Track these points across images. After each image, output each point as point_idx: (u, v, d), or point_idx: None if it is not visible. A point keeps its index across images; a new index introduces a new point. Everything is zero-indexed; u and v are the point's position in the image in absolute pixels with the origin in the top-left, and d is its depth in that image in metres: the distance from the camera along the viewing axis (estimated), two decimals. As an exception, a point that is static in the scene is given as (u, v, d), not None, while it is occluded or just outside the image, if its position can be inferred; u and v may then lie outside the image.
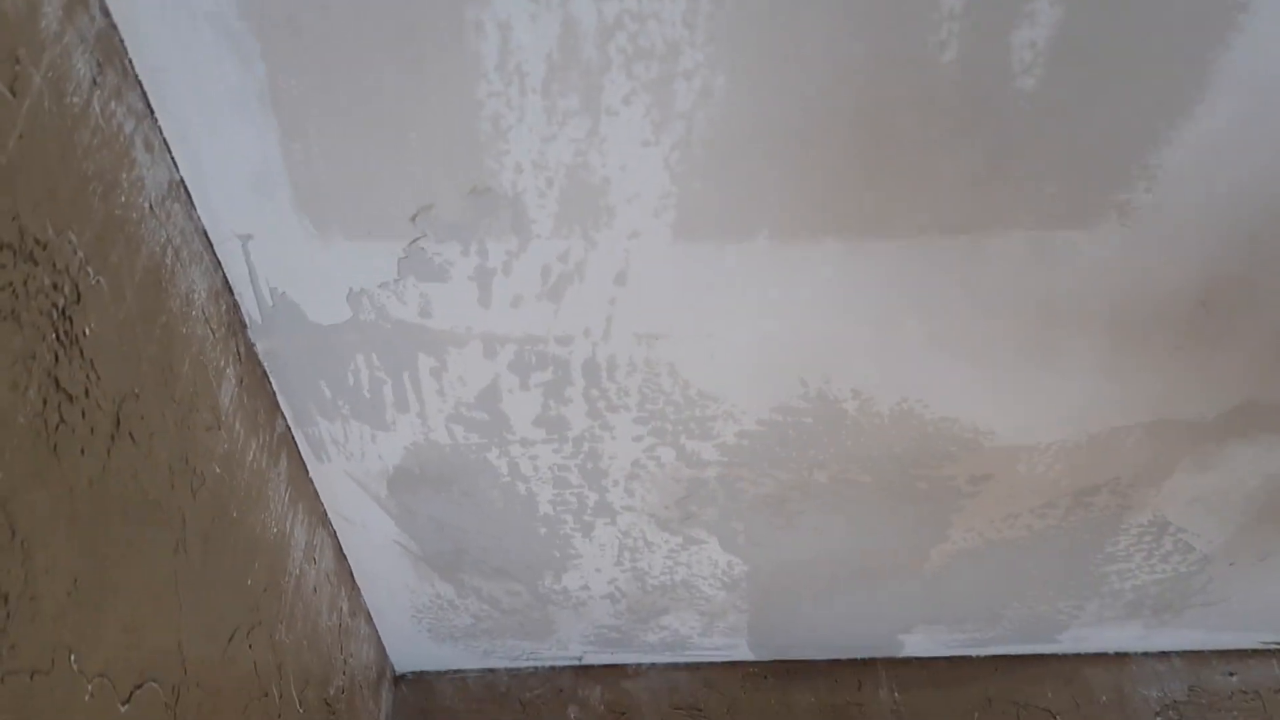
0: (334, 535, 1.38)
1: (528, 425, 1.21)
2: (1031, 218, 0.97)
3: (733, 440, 1.25)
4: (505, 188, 0.92)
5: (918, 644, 1.87)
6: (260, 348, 1.07)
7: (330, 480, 1.29)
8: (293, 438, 1.19)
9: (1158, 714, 1.86)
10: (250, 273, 0.98)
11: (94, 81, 0.75)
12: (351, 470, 1.27)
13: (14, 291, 0.62)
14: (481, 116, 0.86)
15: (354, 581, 1.49)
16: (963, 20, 0.80)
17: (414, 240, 0.96)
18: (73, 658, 0.70)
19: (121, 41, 0.79)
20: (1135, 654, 1.92)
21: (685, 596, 1.62)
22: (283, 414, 1.16)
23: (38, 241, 0.65)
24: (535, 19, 0.79)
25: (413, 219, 0.94)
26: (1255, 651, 1.90)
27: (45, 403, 0.65)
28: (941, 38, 0.81)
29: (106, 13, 0.77)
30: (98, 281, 0.73)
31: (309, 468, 1.26)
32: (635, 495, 1.35)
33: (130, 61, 0.80)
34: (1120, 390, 1.20)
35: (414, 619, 1.67)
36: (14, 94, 0.64)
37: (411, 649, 1.79)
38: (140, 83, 0.82)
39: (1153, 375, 1.18)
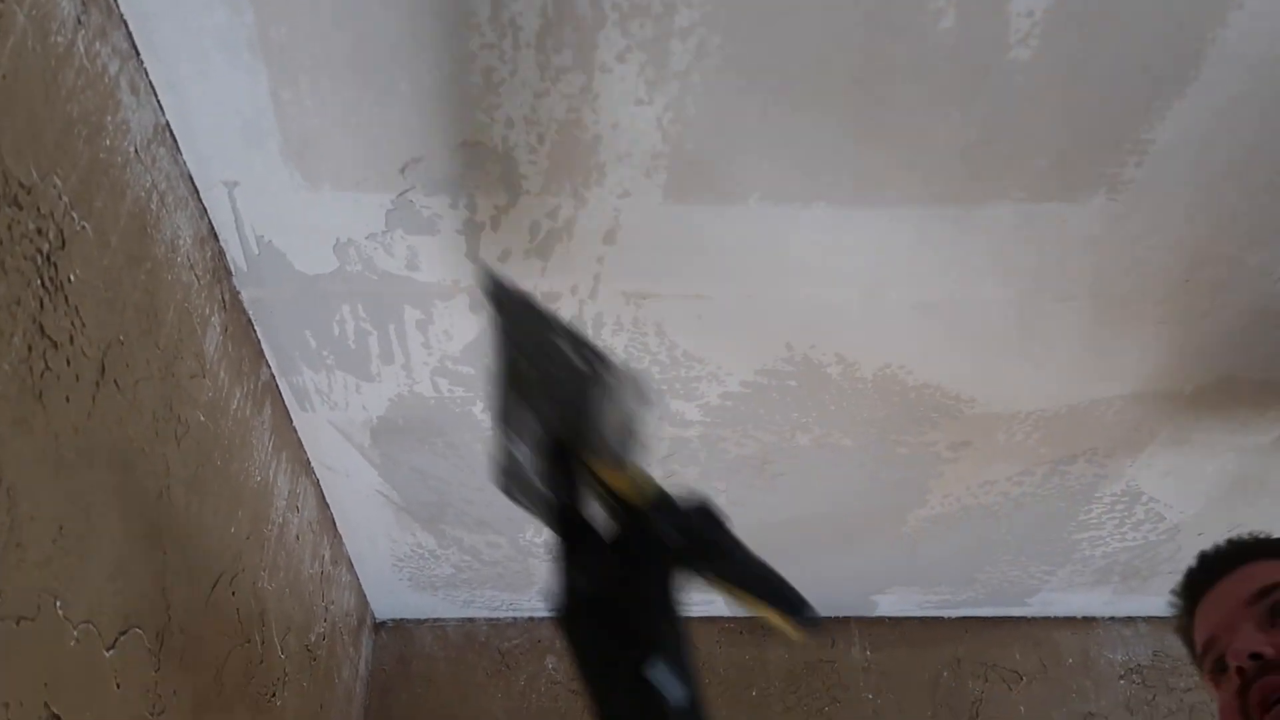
0: (317, 484, 1.39)
1: (513, 380, 1.21)
2: (1021, 189, 0.97)
3: (716, 401, 1.26)
4: (495, 142, 0.91)
5: (891, 604, 1.90)
6: (245, 295, 1.06)
7: (314, 429, 1.29)
8: (277, 386, 1.19)
9: (1122, 677, 1.91)
10: (236, 220, 0.97)
11: (78, 21, 0.73)
12: (335, 420, 1.27)
13: (-2, 237, 0.62)
14: (473, 69, 0.85)
15: (336, 530, 1.50)
16: (962, -12, 0.79)
17: (403, 192, 0.95)
18: (58, 604, 0.70)
19: (105, -22, 0.77)
20: (1102, 619, 1.96)
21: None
22: (267, 362, 1.15)
23: (22, 185, 0.65)
24: (531, -28, 0.78)
25: (402, 171, 0.93)
26: (1220, 619, 1.94)
27: (30, 349, 0.65)
28: (939, 4, 0.81)
29: (91, -51, 0.76)
30: (83, 227, 0.72)
31: (293, 416, 1.26)
32: (618, 452, 1.36)
33: (116, 1, 0.79)
34: (1101, 362, 1.22)
35: (395, 568, 1.68)
36: (-2, 34, 0.63)
37: (392, 597, 1.81)
38: (126, 23, 0.80)
39: (1134, 349, 1.19)
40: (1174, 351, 1.20)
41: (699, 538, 0.68)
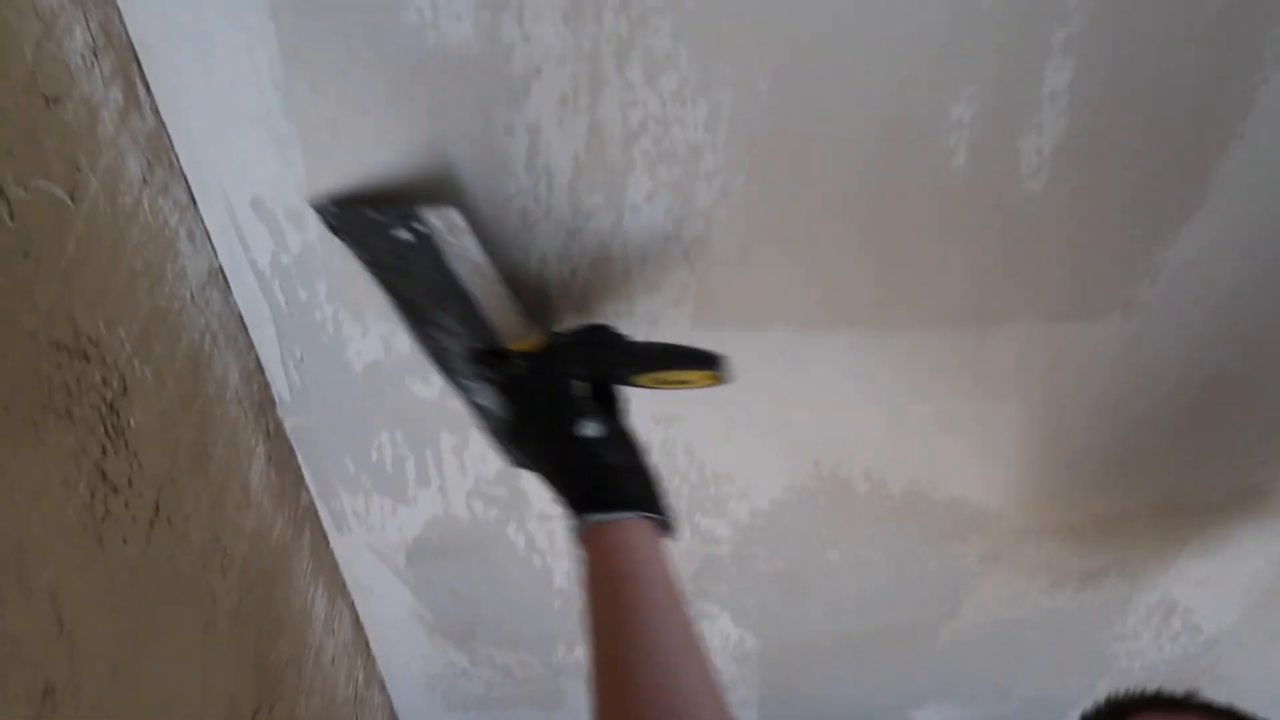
0: (351, 605, 1.40)
1: (546, 501, 1.23)
2: (1037, 311, 1.00)
3: (746, 518, 1.27)
4: (530, 276, 0.95)
5: (927, 719, 1.86)
6: (288, 424, 1.09)
7: (350, 551, 1.31)
8: (315, 511, 1.21)
9: (1170, 793, 1.84)
10: (281, 354, 1.01)
11: (144, 180, 0.79)
12: (372, 542, 1.29)
13: (69, 390, 0.65)
14: (510, 211, 0.89)
15: (369, 651, 1.51)
16: (971, 129, 0.84)
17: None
18: (106, 742, 0.71)
19: (169, 139, 0.83)
20: (1147, 731, 1.91)
21: (696, 668, 1.62)
22: (307, 487, 1.18)
23: (90, 339, 0.69)
24: (563, 123, 0.83)
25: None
26: (1268, 730, 1.89)
27: (93, 495, 0.68)
28: (950, 144, 0.85)
29: (156, 112, 0.81)
30: (143, 373, 0.76)
31: (330, 540, 1.28)
32: (649, 569, 1.36)
33: (176, 156, 0.84)
34: (1126, 475, 1.22)
35: (427, 687, 1.68)
36: (74, 201, 0.68)
37: (424, 717, 1.79)
38: (185, 176, 0.86)
39: (1158, 461, 1.20)
40: (1198, 463, 1.21)
41: (598, 348, 0.85)
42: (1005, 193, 0.89)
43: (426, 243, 0.83)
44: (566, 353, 0.84)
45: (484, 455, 1.15)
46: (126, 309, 0.75)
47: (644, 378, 0.86)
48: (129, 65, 0.77)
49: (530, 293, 0.95)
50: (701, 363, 0.85)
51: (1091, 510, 1.28)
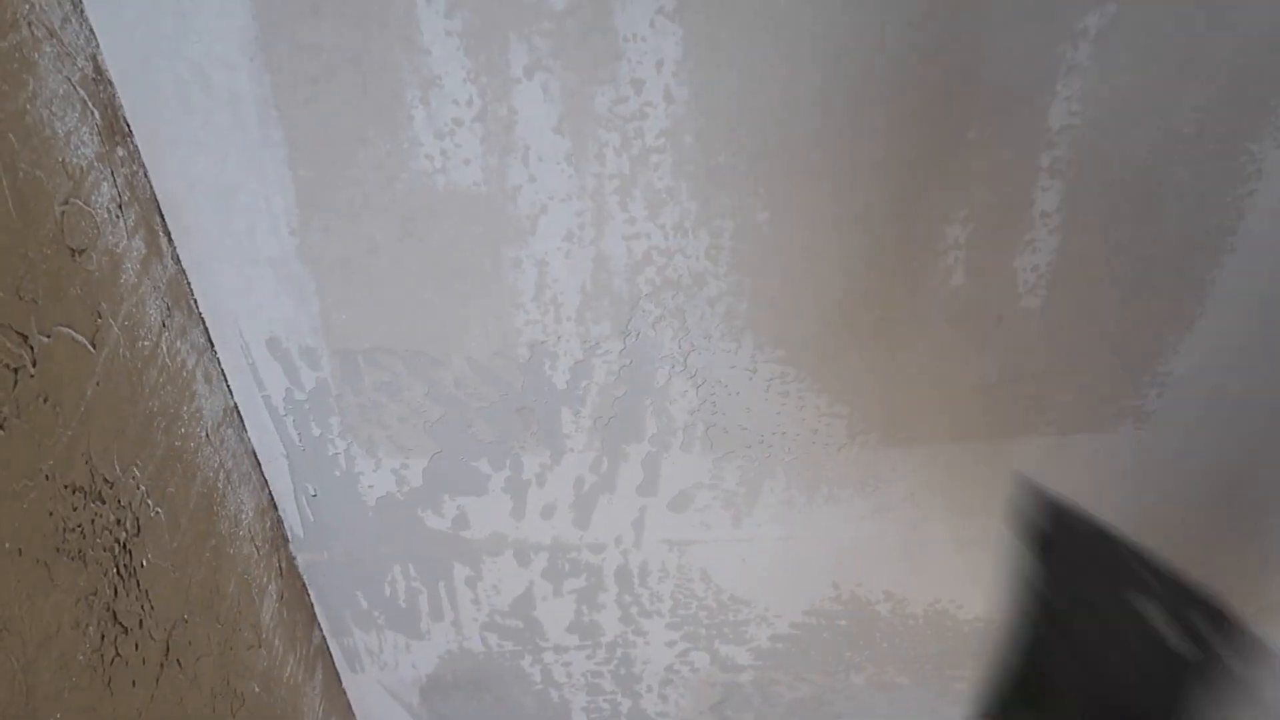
0: (364, 747, 1.36)
1: (561, 631, 1.21)
2: (1048, 424, 1.00)
3: (767, 644, 1.24)
4: (541, 406, 0.96)
5: None
6: (300, 561, 1.09)
7: (363, 691, 1.29)
8: (328, 649, 1.20)
9: None
10: (294, 489, 1.02)
11: (163, 324, 0.81)
12: (384, 680, 1.27)
13: (82, 532, 0.66)
14: (519, 343, 0.91)
15: (382, 795, 1.46)
16: (967, 249, 0.86)
17: (458, 456, 1.00)
18: None
19: (189, 284, 0.86)
20: None
21: (722, 805, 1.56)
22: (319, 625, 1.17)
23: (106, 480, 0.70)
24: (569, 256, 0.86)
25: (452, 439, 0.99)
26: None
27: (103, 638, 0.67)
28: (949, 264, 0.87)
29: (177, 259, 0.84)
30: (156, 513, 0.77)
31: (342, 679, 1.25)
32: (669, 701, 1.33)
33: (195, 300, 0.87)
34: (1154, 587, 1.20)
35: (442, 833, 1.61)
36: (94, 347, 0.70)
37: None
38: (203, 319, 0.88)
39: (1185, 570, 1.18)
40: (1229, 574, 1.19)
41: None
42: (1005, 309, 0.90)
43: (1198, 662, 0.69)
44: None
45: (497, 586, 1.14)
46: (142, 450, 0.76)
47: None
48: (152, 216, 0.80)
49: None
50: None
51: (1120, 626, 1.24)
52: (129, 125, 0.76)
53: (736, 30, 0.73)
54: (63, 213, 0.67)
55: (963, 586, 1.18)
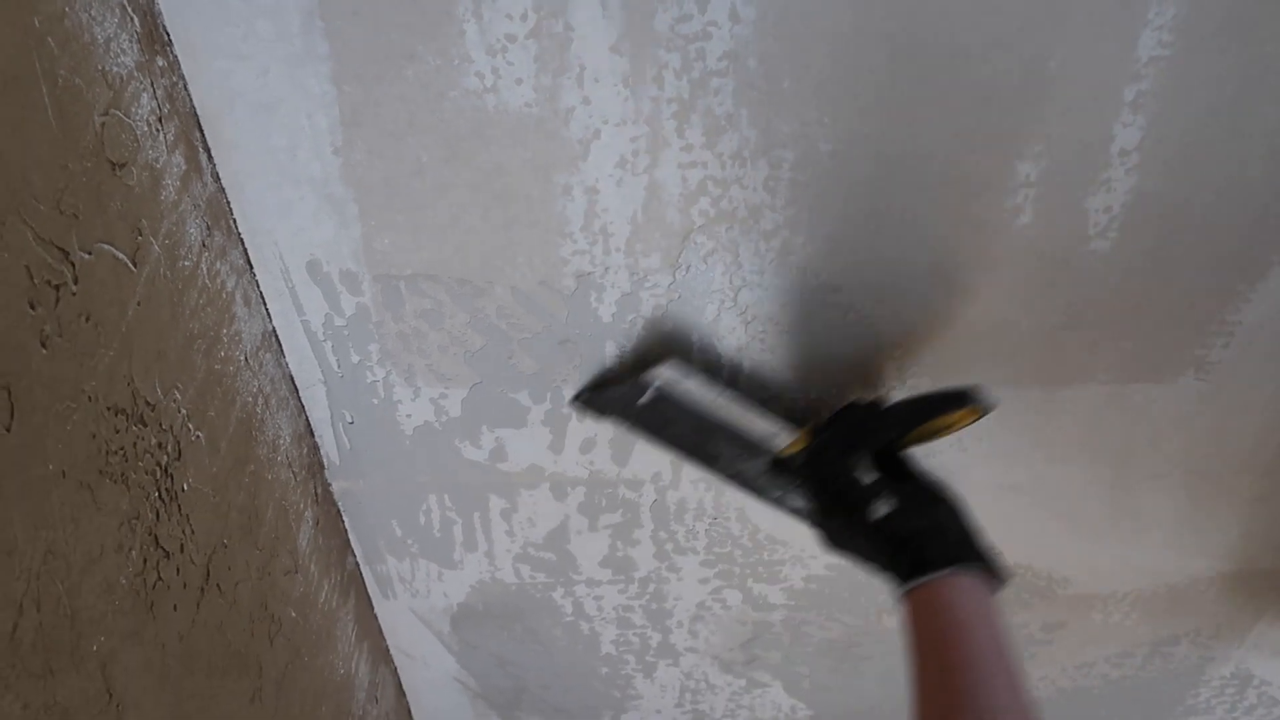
0: (395, 672, 1.37)
1: (594, 565, 1.20)
2: (1106, 371, 0.97)
3: (800, 584, 1.23)
4: (585, 339, 0.94)
5: (987, 794, 1.78)
6: (336, 488, 1.08)
7: (394, 617, 1.29)
8: (361, 575, 1.19)
9: None
10: (332, 416, 1.01)
11: (203, 244, 0.79)
12: (416, 607, 1.27)
13: (124, 455, 0.64)
14: (566, 273, 0.88)
15: (412, 719, 1.48)
16: (1038, 187, 0.82)
17: (498, 387, 0.98)
18: (151, 817, 0.69)
19: (228, 203, 0.83)
20: (1219, 810, 1.82)
21: (746, 739, 1.57)
22: (353, 551, 1.16)
23: (148, 403, 0.68)
24: (621, 184, 0.82)
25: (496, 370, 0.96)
26: (1348, 811, 1.79)
27: (145, 562, 0.66)
28: (1017, 203, 0.83)
29: (217, 177, 0.82)
30: (197, 437, 0.75)
31: (375, 605, 1.26)
32: (699, 637, 1.33)
33: (234, 221, 0.84)
34: (1200, 540, 1.17)
35: (468, 756, 1.64)
36: (135, 265, 0.67)
37: (463, 786, 1.75)
38: (242, 240, 0.86)
39: (1234, 525, 1.15)
40: (1275, 528, 1.16)
41: (856, 426, 0.86)
42: (1073, 252, 0.87)
43: (665, 398, 0.90)
44: (831, 442, 0.86)
45: (532, 519, 1.13)
46: (183, 373, 0.74)
47: (909, 437, 0.86)
48: (192, 131, 0.77)
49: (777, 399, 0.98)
50: (956, 402, 0.83)
51: (1162, 576, 1.23)
52: (168, 34, 0.73)
53: (811, -55, 0.68)
54: (103, 124, 0.65)
55: (1003, 532, 1.16)
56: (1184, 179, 0.82)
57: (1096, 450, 1.05)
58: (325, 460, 1.05)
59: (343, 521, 1.12)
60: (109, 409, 0.63)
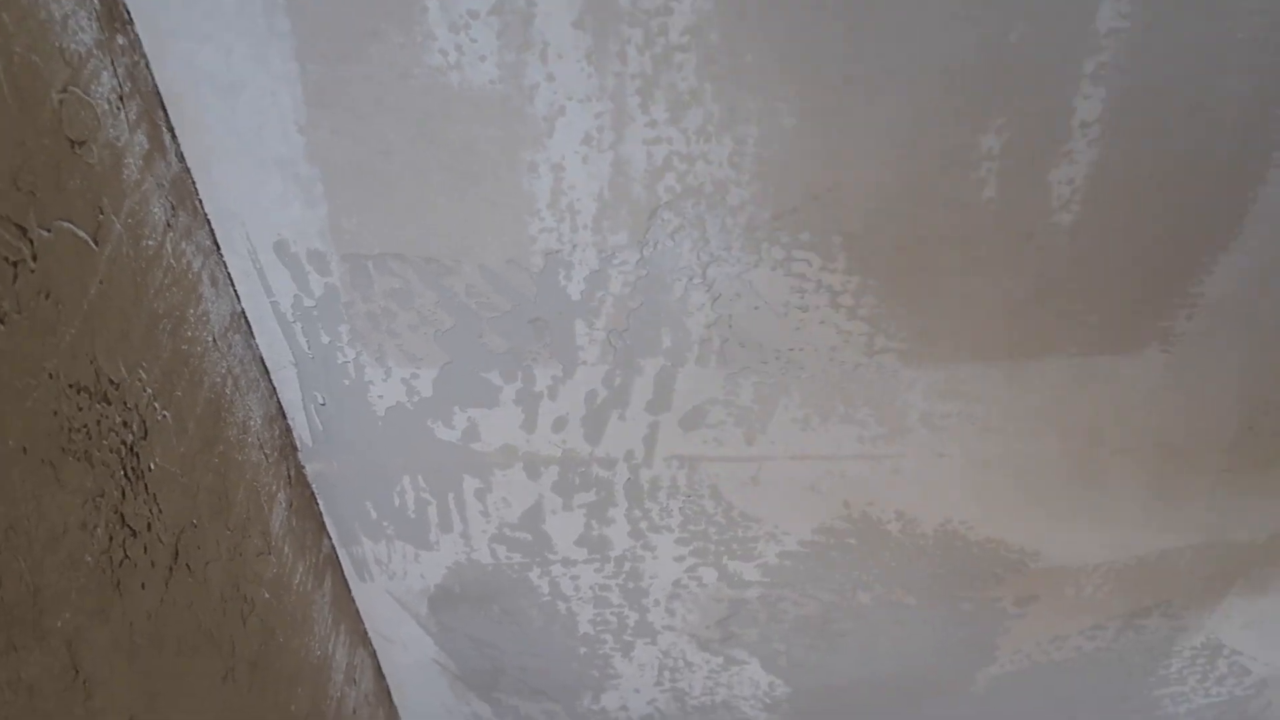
0: (373, 655, 1.37)
1: (569, 545, 1.21)
2: (1073, 344, 0.98)
3: (775, 561, 1.24)
4: (554, 317, 0.94)
5: (965, 768, 1.80)
6: (310, 470, 1.08)
7: (371, 599, 1.29)
8: (337, 558, 1.20)
9: (1220, 846, 1.77)
10: (303, 398, 1.01)
11: (168, 224, 0.78)
12: (393, 589, 1.27)
13: (88, 432, 0.64)
14: (534, 251, 0.89)
15: (391, 702, 1.48)
16: (1001, 160, 0.82)
17: (469, 367, 0.98)
18: (122, 794, 0.69)
19: (194, 184, 0.83)
20: (1193, 781, 1.85)
21: (726, 718, 1.58)
22: (328, 534, 1.17)
23: (112, 382, 0.68)
24: (587, 160, 0.82)
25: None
26: (1319, 779, 1.82)
27: (111, 539, 0.66)
28: (980, 175, 0.84)
29: (181, 157, 0.81)
30: (164, 416, 0.75)
31: (351, 587, 1.26)
32: (676, 615, 1.34)
33: (200, 201, 0.84)
34: (1169, 512, 1.19)
35: (449, 738, 1.64)
36: (97, 243, 0.67)
37: (445, 769, 1.76)
38: (209, 220, 0.86)
39: (1202, 497, 1.17)
40: (1243, 500, 1.18)
41: None
42: (1037, 225, 0.87)
43: None
44: None
45: (506, 499, 1.13)
46: (148, 352, 0.74)
47: None
48: (155, 111, 0.77)
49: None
50: None
51: (1132, 549, 1.24)
52: (129, 11, 0.73)
53: (770, -82, 0.69)
54: (61, 101, 0.64)
55: (974, 507, 1.17)
56: (1145, 151, 0.82)
57: (1065, 424, 1.06)
58: (298, 442, 1.05)
59: (317, 504, 1.12)
60: (71, 386, 0.63)
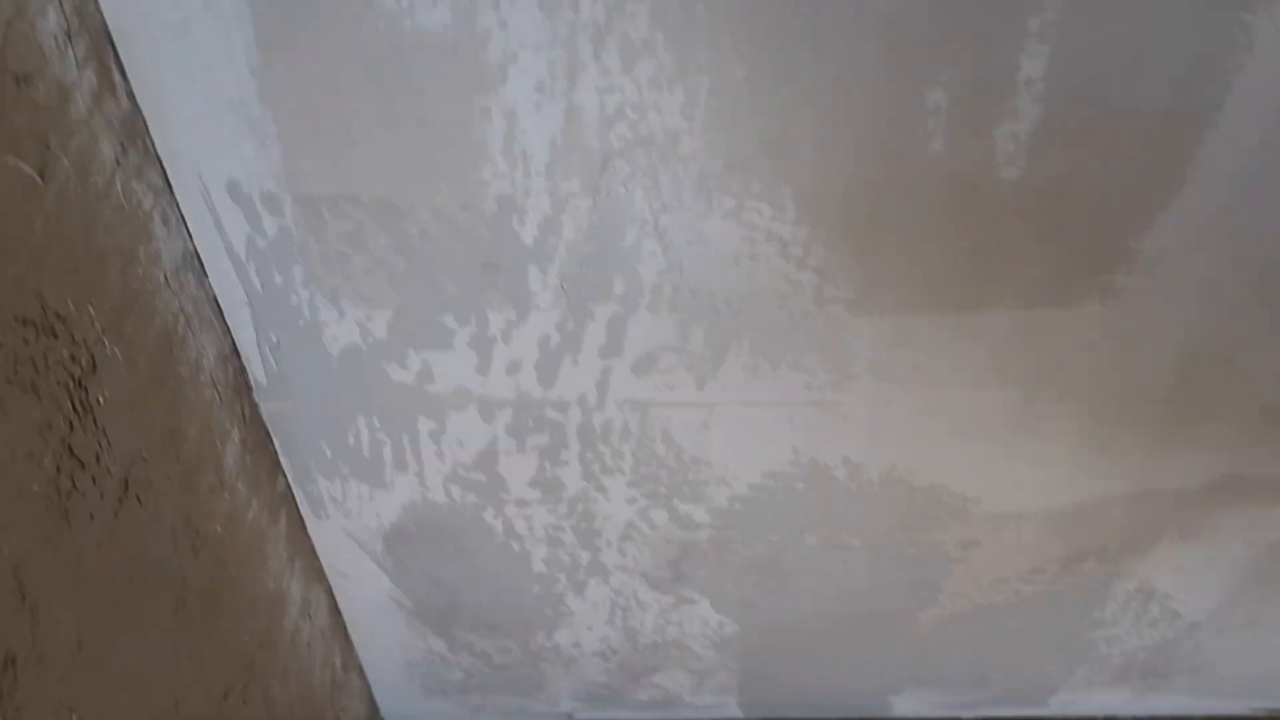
0: (329, 591, 1.40)
1: (523, 486, 1.23)
2: (1015, 297, 1.00)
3: (725, 504, 1.27)
4: (508, 262, 0.95)
5: (907, 705, 1.87)
6: (265, 409, 1.09)
7: (327, 537, 1.31)
8: (292, 495, 1.21)
9: (1147, 781, 1.86)
10: (257, 338, 1.01)
11: (117, 162, 0.78)
12: (349, 527, 1.29)
13: (34, 365, 0.65)
14: (487, 196, 0.89)
15: (347, 636, 1.51)
16: (948, 115, 0.84)
17: (424, 309, 0.99)
18: (75, 718, 0.71)
19: (145, 123, 0.83)
20: (1123, 718, 1.93)
21: (676, 655, 1.63)
22: (283, 472, 1.18)
23: (58, 316, 0.68)
24: (540, 108, 0.83)
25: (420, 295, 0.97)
26: (1243, 719, 1.90)
27: (59, 470, 0.68)
28: (928, 129, 0.85)
29: (132, 96, 0.81)
30: (113, 352, 0.76)
31: (307, 525, 1.28)
32: (628, 555, 1.37)
33: (152, 140, 0.84)
34: (1106, 461, 1.23)
35: (406, 673, 1.68)
36: (43, 178, 0.67)
37: (402, 703, 1.79)
38: (160, 161, 0.86)
39: (1137, 447, 1.21)
40: (1178, 450, 1.22)
41: None
42: (982, 179, 0.89)
43: None
44: None
45: (460, 440, 1.15)
46: (97, 288, 0.74)
47: None
48: (104, 50, 0.76)
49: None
50: None
51: (1070, 496, 1.28)
52: (73, -57, 0.72)
53: None
54: (4, 36, 0.64)
55: (918, 454, 1.20)
56: (1088, 107, 0.84)
57: (1007, 374, 1.09)
58: (253, 381, 1.06)
59: (272, 442, 1.13)
60: (16, 319, 0.63)
